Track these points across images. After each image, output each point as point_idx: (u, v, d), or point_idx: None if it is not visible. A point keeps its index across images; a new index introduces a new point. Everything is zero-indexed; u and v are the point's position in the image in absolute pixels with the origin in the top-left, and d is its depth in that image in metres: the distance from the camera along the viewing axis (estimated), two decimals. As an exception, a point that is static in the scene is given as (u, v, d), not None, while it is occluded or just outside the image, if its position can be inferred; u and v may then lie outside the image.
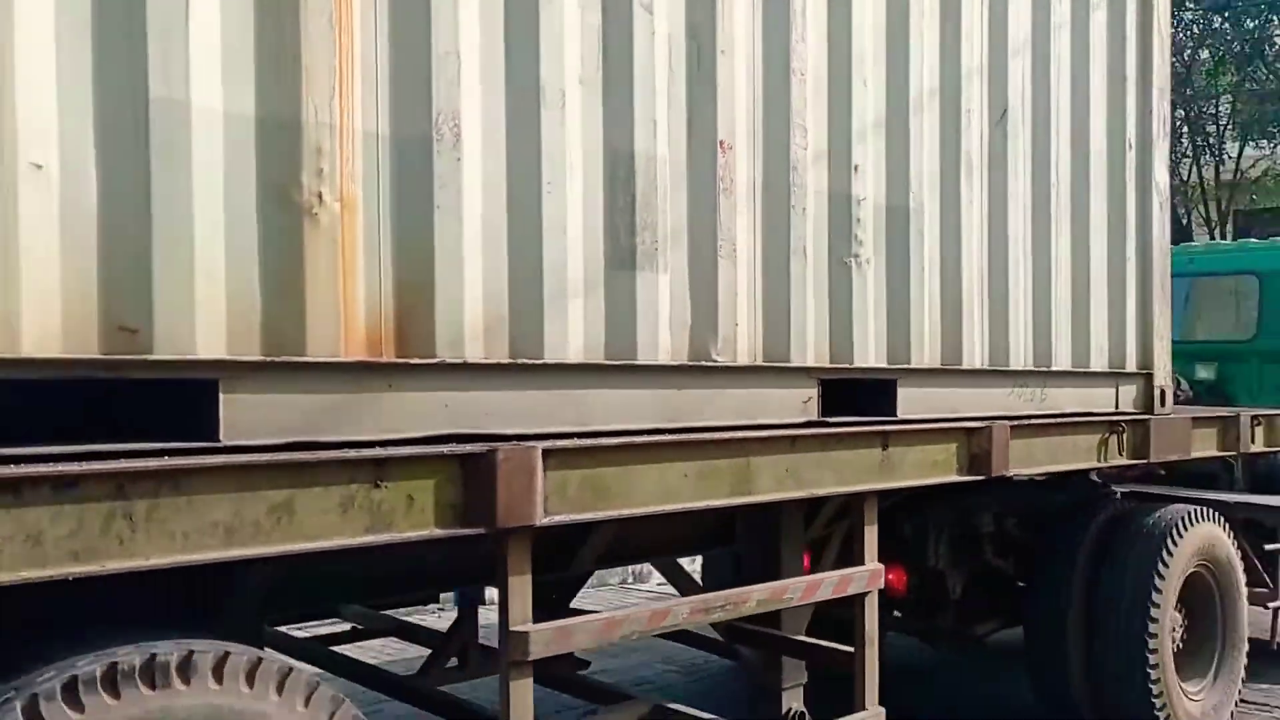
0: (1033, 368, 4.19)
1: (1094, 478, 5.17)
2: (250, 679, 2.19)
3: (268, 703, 2.21)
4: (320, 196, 2.39)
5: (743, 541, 4.17)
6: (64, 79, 2.05)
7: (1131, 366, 4.65)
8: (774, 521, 3.95)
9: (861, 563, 3.61)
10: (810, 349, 3.41)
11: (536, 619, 2.70)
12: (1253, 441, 5.15)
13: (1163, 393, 4.72)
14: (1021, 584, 4.89)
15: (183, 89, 2.19)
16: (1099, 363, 4.48)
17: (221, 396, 2.26)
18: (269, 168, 2.32)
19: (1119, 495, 5.02)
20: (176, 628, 2.23)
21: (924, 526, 4.49)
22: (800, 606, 3.74)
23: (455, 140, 2.60)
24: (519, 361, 2.73)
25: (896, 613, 4.91)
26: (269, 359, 2.32)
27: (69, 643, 2.10)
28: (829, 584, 3.50)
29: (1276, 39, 17.29)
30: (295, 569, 2.49)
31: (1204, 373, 7.14)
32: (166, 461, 2.07)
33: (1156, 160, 4.74)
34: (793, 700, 4.16)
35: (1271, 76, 17.31)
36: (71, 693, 1.96)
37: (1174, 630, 4.59)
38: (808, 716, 4.08)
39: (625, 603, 2.61)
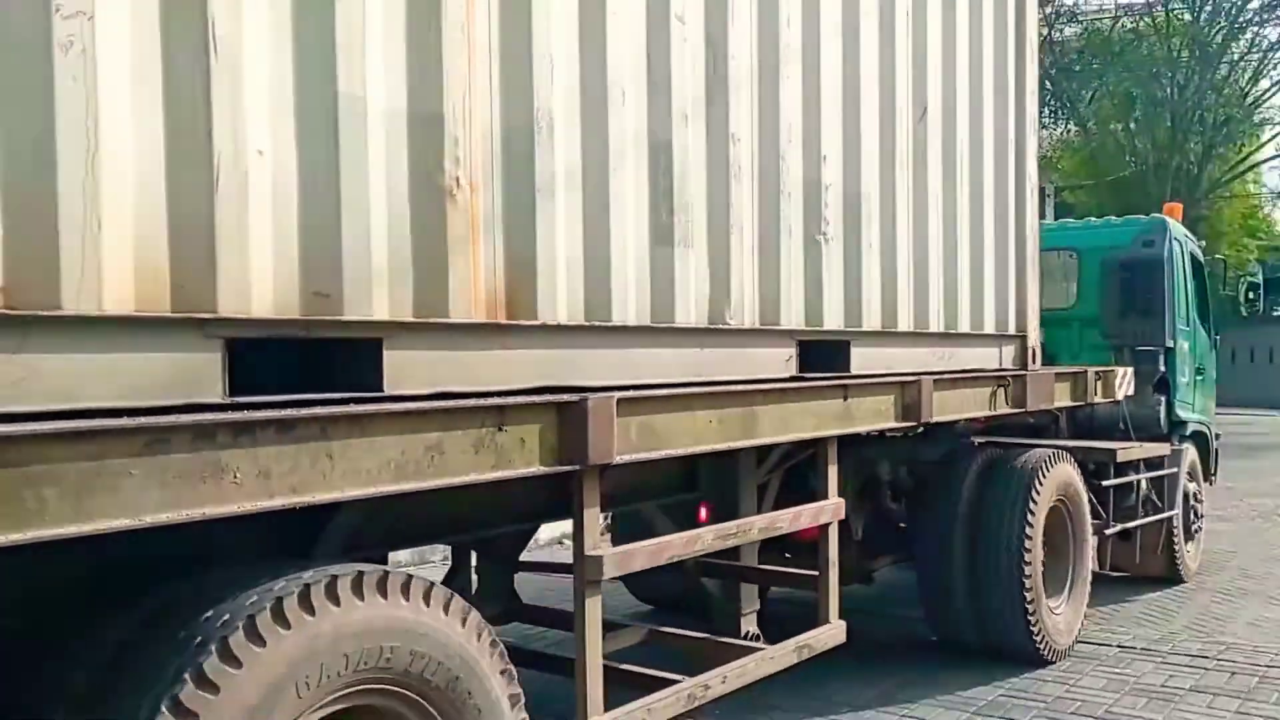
0: (944, 330, 5.02)
1: (957, 429, 6.07)
2: (405, 592, 2.61)
3: (424, 614, 2.63)
4: (457, 180, 2.81)
5: (706, 487, 4.78)
6: (274, 78, 2.40)
7: (1011, 330, 5.60)
8: (733, 468, 4.60)
9: (826, 497, 4.32)
10: (793, 314, 4.07)
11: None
12: (1096, 393, 6.24)
13: (1033, 352, 5.71)
14: (903, 525, 5.70)
15: (360, 87, 2.57)
16: (989, 327, 5.38)
17: (385, 353, 2.67)
18: (418, 155, 2.73)
19: (978, 444, 5.93)
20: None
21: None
22: (751, 544, 4.44)
23: (550, 131, 3.06)
24: (594, 324, 3.23)
25: (788, 554, 5.35)
26: (421, 320, 2.74)
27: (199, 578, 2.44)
28: (807, 515, 4.19)
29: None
30: (377, 509, 2.81)
31: (1036, 337, 8.33)
32: (357, 408, 2.48)
33: (1029, 156, 5.70)
34: (749, 625, 4.84)
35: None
36: (278, 614, 2.30)
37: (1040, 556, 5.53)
38: (762, 637, 4.77)
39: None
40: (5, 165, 1.96)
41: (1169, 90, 23.88)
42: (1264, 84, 25.55)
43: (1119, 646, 5.86)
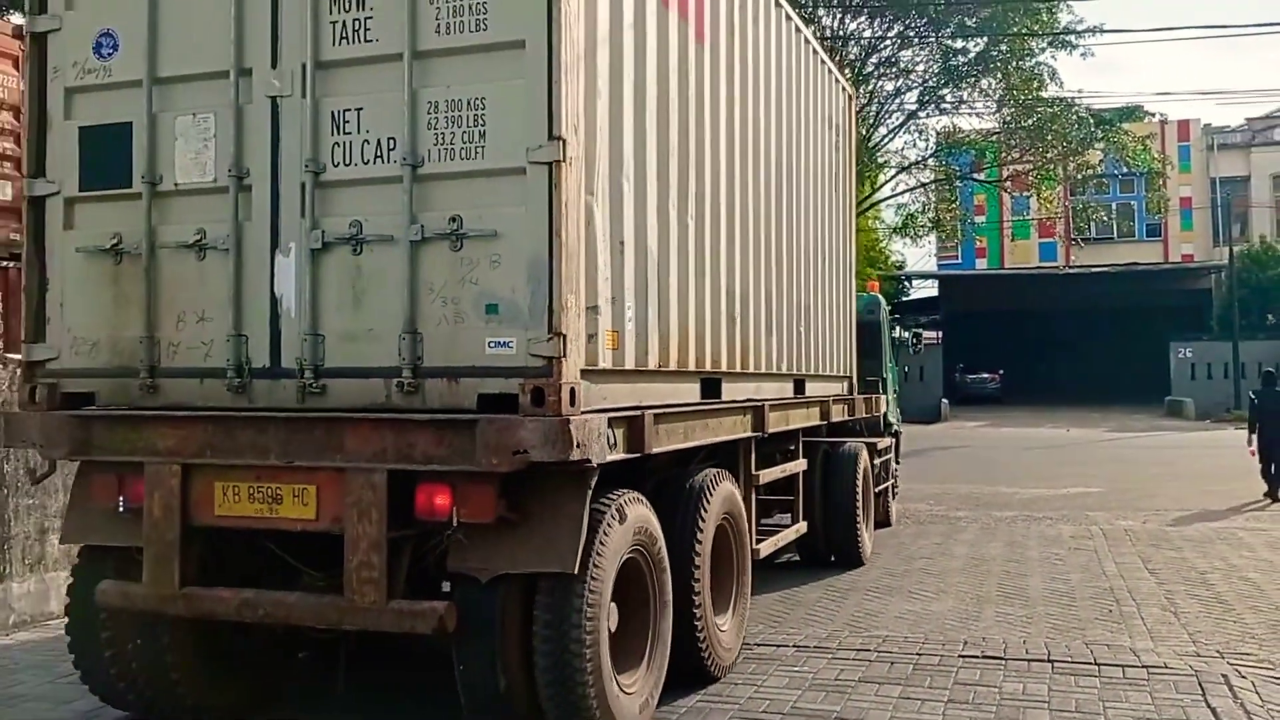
0: (812, 373, 8.97)
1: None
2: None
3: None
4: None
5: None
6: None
7: (845, 371, 9.78)
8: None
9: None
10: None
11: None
12: (867, 411, 10.62)
13: (853, 385, 9.95)
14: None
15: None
16: (833, 368, 9.49)
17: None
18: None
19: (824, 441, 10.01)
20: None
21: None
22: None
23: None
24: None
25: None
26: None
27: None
28: (797, 466, 7.94)
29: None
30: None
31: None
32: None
33: (852, 248, 9.88)
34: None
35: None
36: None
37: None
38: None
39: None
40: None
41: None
42: (881, 130, 32.95)
43: (795, 647, 6.79)
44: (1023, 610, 7.86)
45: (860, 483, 9.52)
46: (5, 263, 8.18)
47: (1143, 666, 6.32)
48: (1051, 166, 31.33)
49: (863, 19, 30.86)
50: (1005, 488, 15.83)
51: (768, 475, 7.27)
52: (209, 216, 4.63)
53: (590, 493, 4.38)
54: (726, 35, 6.38)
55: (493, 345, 4.22)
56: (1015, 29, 29.01)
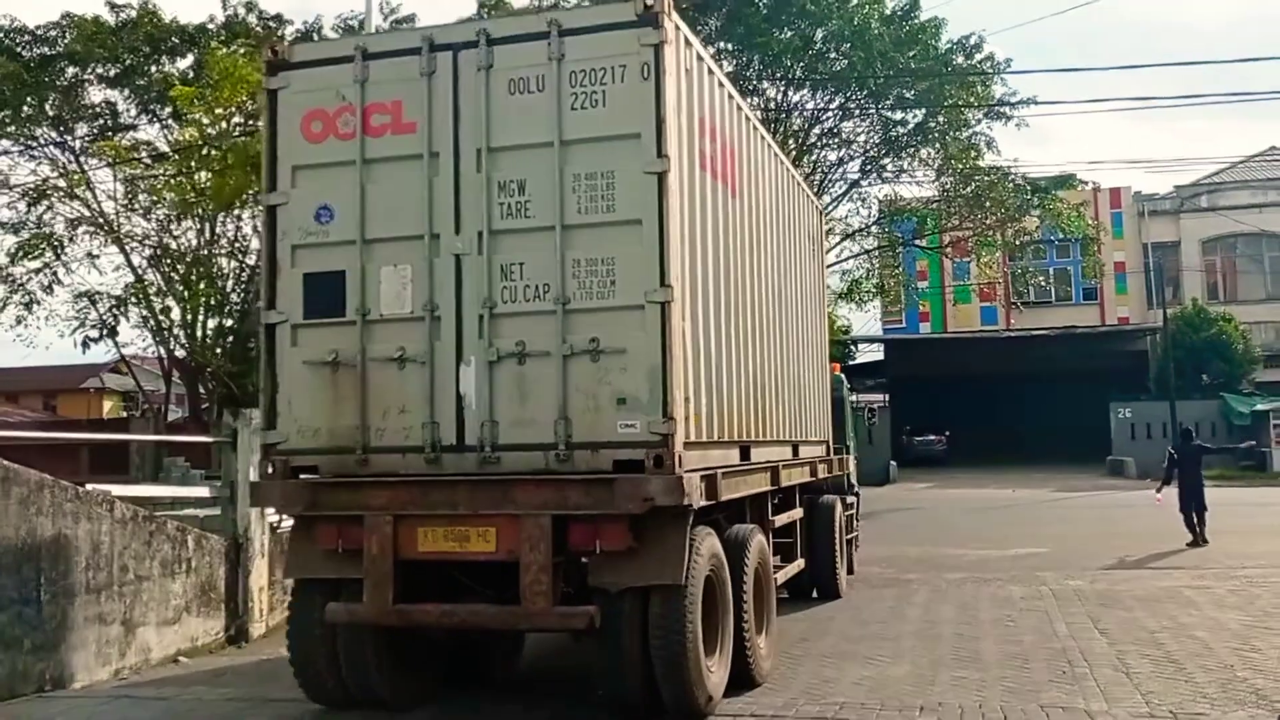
0: (803, 438, 11.49)
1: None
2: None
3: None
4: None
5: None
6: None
7: (824, 436, 12.33)
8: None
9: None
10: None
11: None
12: (841, 469, 13.19)
13: (829, 446, 12.50)
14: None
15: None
16: (816, 435, 12.03)
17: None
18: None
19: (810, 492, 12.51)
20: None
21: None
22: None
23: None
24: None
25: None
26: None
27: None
28: (797, 513, 10.43)
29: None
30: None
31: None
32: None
33: (824, 330, 12.48)
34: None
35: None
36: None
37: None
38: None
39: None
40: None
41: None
42: (826, 198, 36.05)
43: (752, 716, 7.20)
44: (977, 673, 8.39)
45: (838, 529, 12.07)
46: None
47: (1099, 730, 6.89)
48: (990, 233, 34.57)
49: (805, 91, 33.87)
50: (954, 549, 17.20)
51: (779, 520, 9.73)
52: (408, 338, 6.99)
53: (689, 528, 6.77)
54: (746, 185, 8.93)
55: (623, 426, 6.62)
56: (951, 101, 32.26)
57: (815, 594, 11.91)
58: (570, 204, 6.79)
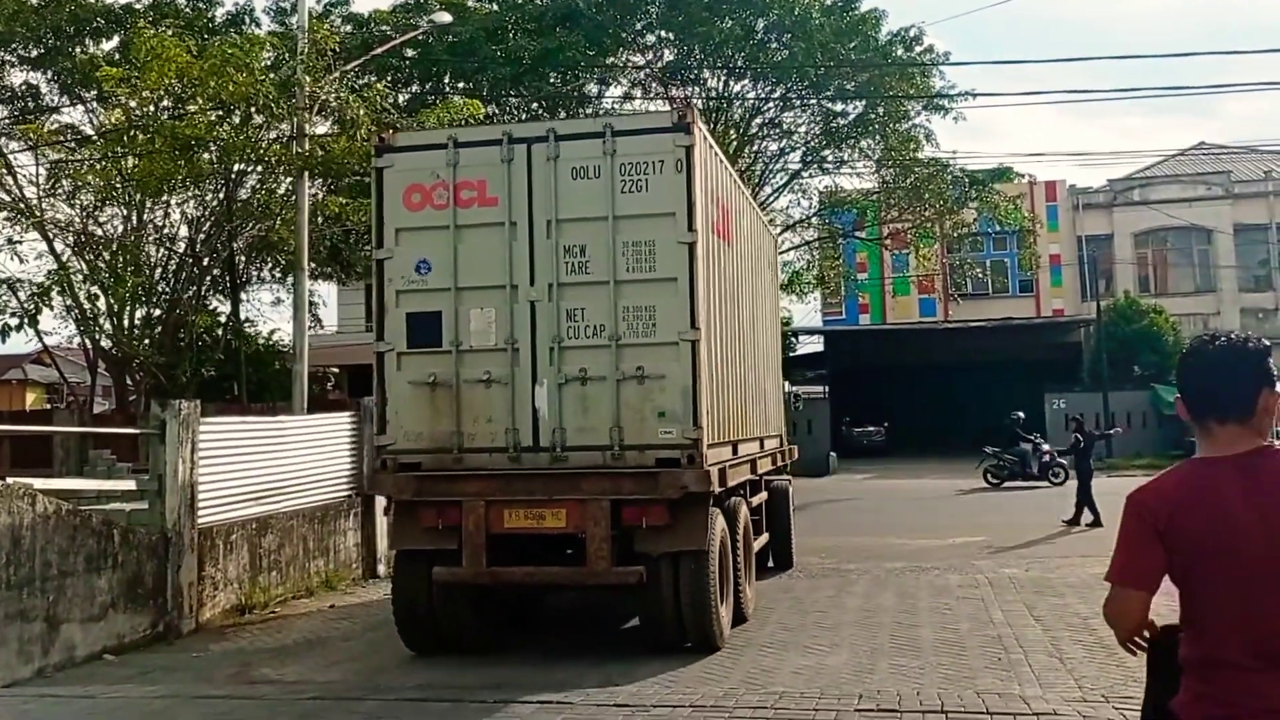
0: (768, 434, 14.61)
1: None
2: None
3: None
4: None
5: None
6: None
7: (780, 431, 15.51)
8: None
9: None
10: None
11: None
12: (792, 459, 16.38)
13: (784, 439, 15.70)
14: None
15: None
16: (776, 430, 15.18)
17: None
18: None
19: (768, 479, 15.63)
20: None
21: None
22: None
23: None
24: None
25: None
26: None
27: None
28: (764, 496, 13.55)
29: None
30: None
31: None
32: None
33: (778, 337, 15.62)
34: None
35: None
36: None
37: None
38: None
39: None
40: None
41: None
42: (767, 190, 39.22)
43: (691, 707, 7.80)
44: (915, 661, 9.18)
45: (790, 509, 15.33)
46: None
47: (1033, 714, 7.40)
48: (929, 225, 37.87)
49: (746, 81, 36.79)
50: (894, 539, 18.71)
51: (754, 500, 12.99)
52: (493, 364, 9.93)
53: (710, 508, 9.83)
54: (735, 235, 11.99)
55: (663, 433, 9.65)
56: (891, 92, 35.43)
57: (771, 564, 14.95)
58: (621, 264, 9.78)
